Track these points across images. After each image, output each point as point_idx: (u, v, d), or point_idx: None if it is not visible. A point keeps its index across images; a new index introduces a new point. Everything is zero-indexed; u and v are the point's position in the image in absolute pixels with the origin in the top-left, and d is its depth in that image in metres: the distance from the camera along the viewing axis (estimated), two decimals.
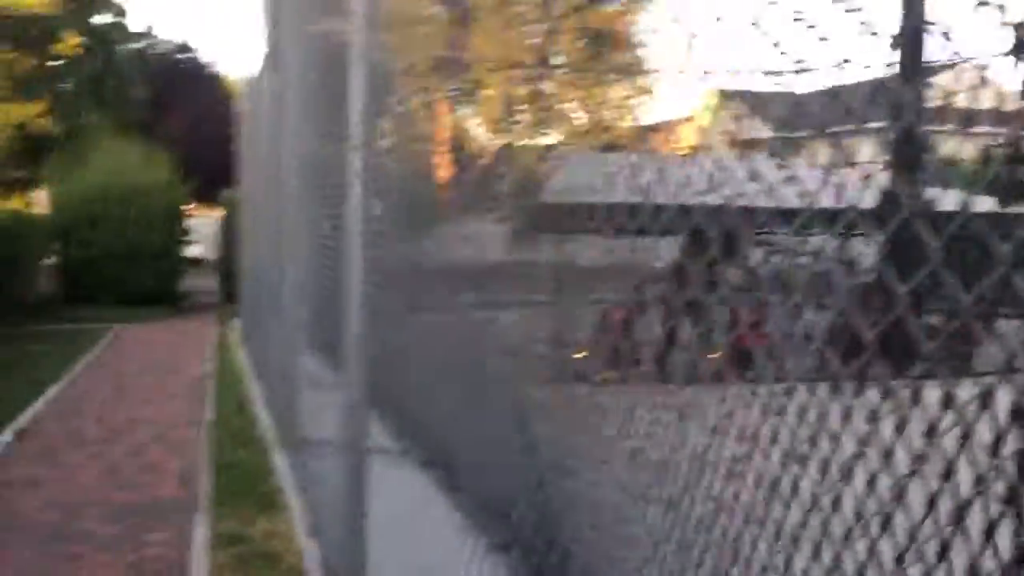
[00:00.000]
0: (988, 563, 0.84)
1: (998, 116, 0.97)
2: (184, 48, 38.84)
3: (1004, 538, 0.84)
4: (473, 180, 4.19)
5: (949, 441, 0.93)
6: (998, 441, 0.86)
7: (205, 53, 61.99)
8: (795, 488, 1.28)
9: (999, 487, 0.84)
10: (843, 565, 1.13)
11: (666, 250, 2.38)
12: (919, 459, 0.96)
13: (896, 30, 1.15)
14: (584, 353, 3.18)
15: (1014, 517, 0.82)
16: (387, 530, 4.08)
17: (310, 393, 5.88)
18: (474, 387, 3.70)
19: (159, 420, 8.44)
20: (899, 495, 0.99)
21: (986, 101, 0.96)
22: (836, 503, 1.16)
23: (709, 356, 1.94)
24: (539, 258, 3.33)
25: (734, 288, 1.84)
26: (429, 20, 4.85)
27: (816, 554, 1.20)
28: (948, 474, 0.93)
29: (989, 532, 0.87)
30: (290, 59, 6.61)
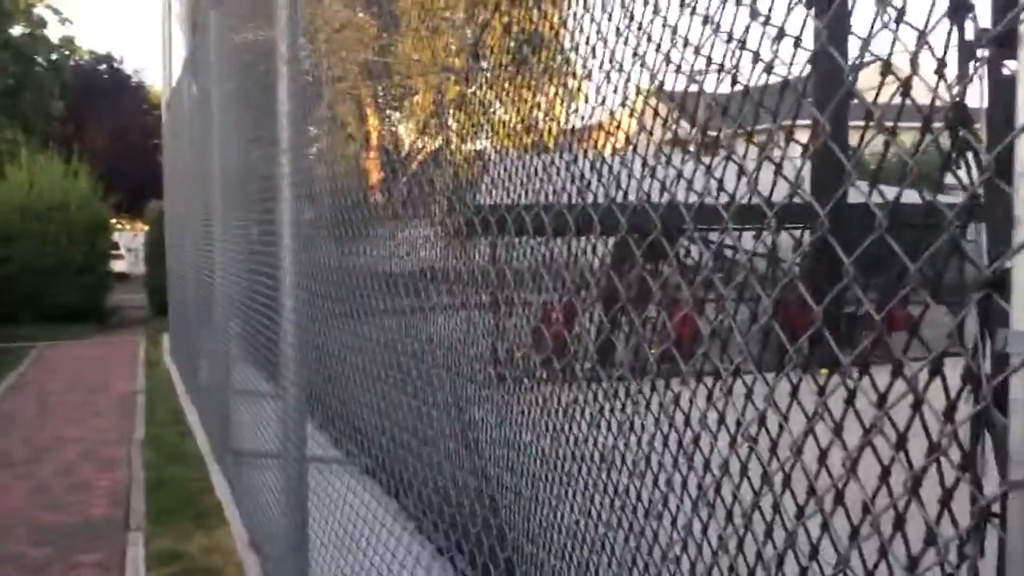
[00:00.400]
0: (947, 531, 0.83)
1: (924, 110, 0.97)
2: (107, 59, 37.95)
3: (961, 504, 0.83)
4: (406, 184, 4.14)
5: (901, 412, 0.93)
6: (952, 408, 0.85)
7: (130, 64, 60.60)
8: (745, 469, 1.27)
9: (954, 454, 0.83)
10: (797, 542, 1.12)
11: (602, 248, 2.37)
12: (869, 431, 0.95)
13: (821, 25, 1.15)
14: (525, 352, 3.15)
15: (971, 483, 0.81)
16: (329, 540, 4.00)
17: (245, 405, 5.75)
18: (415, 391, 3.65)
19: (88, 438, 8.19)
20: (852, 468, 0.98)
21: (916, 95, 0.96)
22: (788, 481, 1.14)
23: (651, 350, 1.93)
24: (476, 260, 3.31)
25: (670, 283, 1.84)
26: (355, 25, 4.79)
27: (769, 532, 1.19)
28: (901, 443, 0.93)
29: (946, 500, 0.86)
30: (213, 65, 6.48)
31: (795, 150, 1.40)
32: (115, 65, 38.23)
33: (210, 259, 6.84)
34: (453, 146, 4.25)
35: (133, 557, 5.08)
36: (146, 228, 22.96)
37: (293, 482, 3.76)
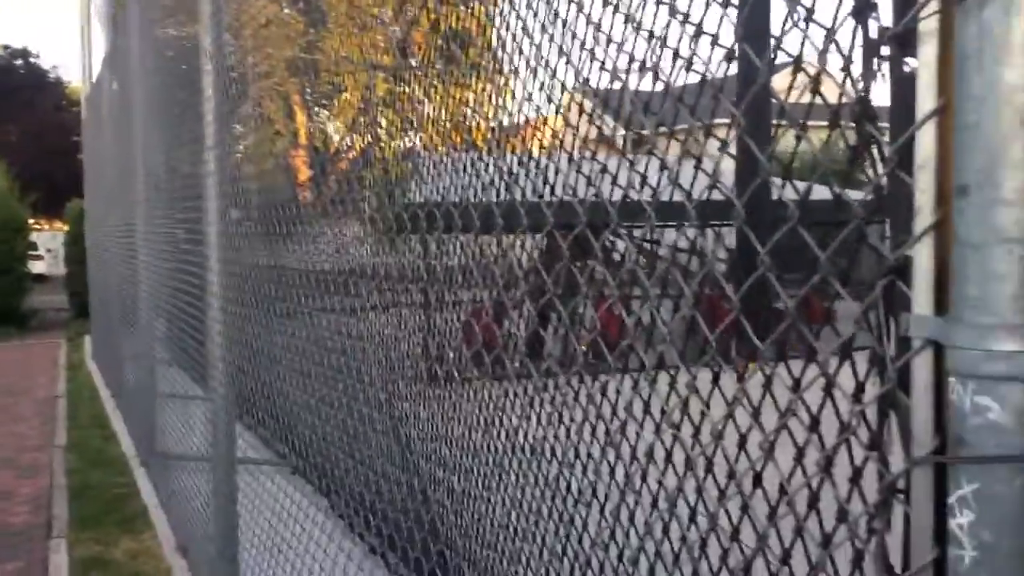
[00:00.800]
0: (857, 508, 0.87)
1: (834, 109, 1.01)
2: (23, 54, 36.74)
3: (870, 482, 0.87)
4: (335, 183, 4.13)
5: (815, 397, 0.97)
6: (859, 390, 0.89)
7: (47, 59, 58.62)
8: (668, 456, 1.30)
9: (862, 434, 0.87)
10: (719, 525, 1.15)
11: (532, 247, 2.39)
12: (785, 415, 0.99)
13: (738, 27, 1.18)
14: (457, 351, 3.15)
15: (878, 461, 0.85)
16: (260, 542, 3.96)
17: (172, 407, 5.65)
18: (346, 391, 3.63)
19: (8, 444, 7.94)
20: (769, 451, 1.01)
21: (827, 95, 1.00)
22: (709, 467, 1.18)
23: (579, 348, 1.96)
24: (406, 260, 3.31)
25: (598, 281, 1.87)
26: (281, 22, 4.74)
27: (693, 517, 1.22)
28: (814, 426, 0.97)
29: (855, 478, 0.90)
30: (135, 61, 6.34)
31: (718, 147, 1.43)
32: (32, 60, 37.07)
33: (134, 259, 6.70)
34: (382, 143, 4.24)
35: (56, 565, 4.95)
36: (66, 228, 22.31)
37: (222, 484, 3.71)
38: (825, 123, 1.02)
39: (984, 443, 0.69)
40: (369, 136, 4.29)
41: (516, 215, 2.10)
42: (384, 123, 4.34)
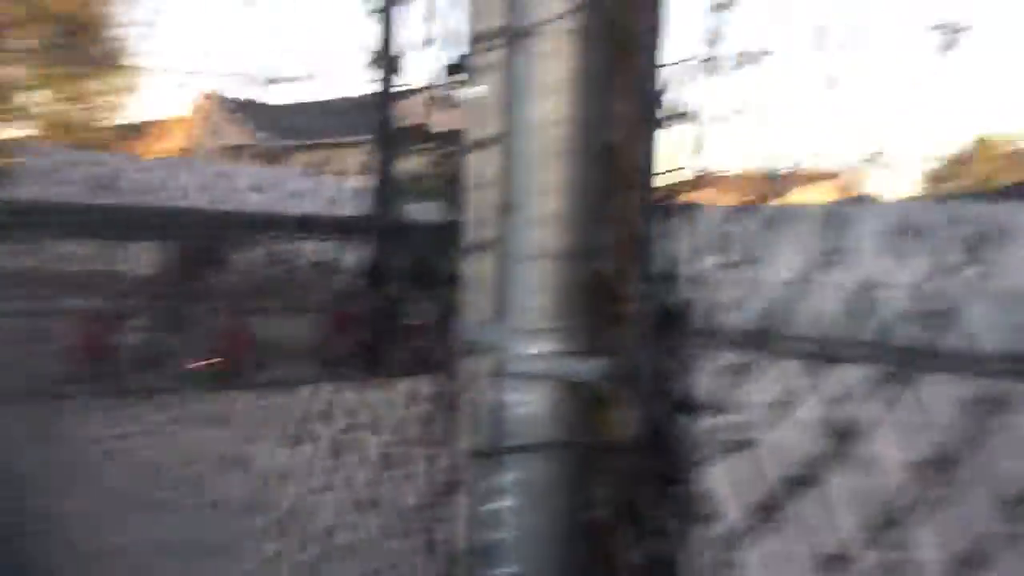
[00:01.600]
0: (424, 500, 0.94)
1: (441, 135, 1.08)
2: None
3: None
4: None
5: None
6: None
7: None
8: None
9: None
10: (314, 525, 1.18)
11: (149, 255, 2.28)
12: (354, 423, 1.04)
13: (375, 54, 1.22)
14: (62, 364, 2.92)
15: (444, 456, 0.93)
16: None
17: None
18: None
19: None
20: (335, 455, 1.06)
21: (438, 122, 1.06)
22: (310, 472, 1.20)
23: (195, 364, 1.91)
24: (5, 261, 3.00)
25: (222, 295, 1.83)
26: None
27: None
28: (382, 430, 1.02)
29: (428, 474, 0.97)
30: None
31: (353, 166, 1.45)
32: None
33: None
34: None
35: None
36: None
37: None
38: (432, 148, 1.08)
39: (521, 435, 0.78)
40: None
41: (140, 221, 1.99)
42: None
